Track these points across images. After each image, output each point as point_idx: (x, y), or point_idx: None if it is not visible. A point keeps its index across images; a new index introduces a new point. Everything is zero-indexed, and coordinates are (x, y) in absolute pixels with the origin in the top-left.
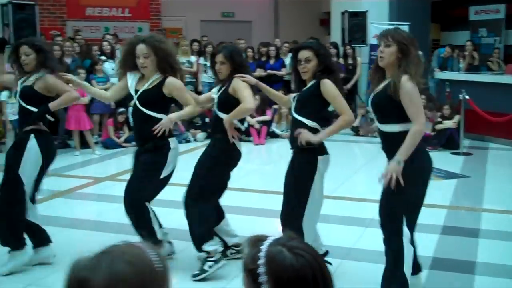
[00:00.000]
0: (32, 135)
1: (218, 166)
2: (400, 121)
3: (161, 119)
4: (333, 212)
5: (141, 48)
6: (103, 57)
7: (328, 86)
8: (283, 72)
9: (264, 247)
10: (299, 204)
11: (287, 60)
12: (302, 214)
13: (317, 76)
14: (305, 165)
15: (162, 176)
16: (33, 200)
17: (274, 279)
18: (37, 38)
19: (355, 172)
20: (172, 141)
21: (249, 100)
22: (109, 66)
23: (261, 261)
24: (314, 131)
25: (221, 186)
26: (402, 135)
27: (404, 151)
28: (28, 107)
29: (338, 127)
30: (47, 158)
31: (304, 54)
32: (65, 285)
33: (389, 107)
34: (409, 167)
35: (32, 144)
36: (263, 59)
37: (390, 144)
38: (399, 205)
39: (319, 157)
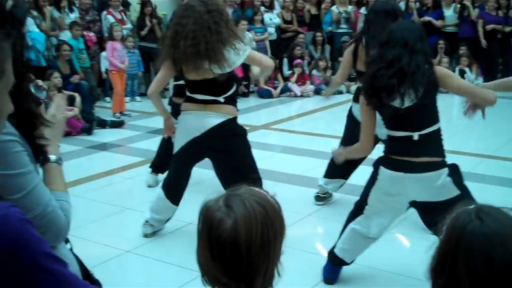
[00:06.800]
0: None
1: None
2: None
3: None
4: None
5: None
6: (264, 8)
7: None
8: (439, 23)
9: None
10: None
11: (448, 12)
12: None
13: None
14: None
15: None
16: None
17: None
18: None
19: None
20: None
21: None
22: (267, 17)
23: None
24: None
25: None
26: None
27: None
28: None
29: None
30: None
31: None
32: (200, 227)
33: None
34: None
35: None
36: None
37: None
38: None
39: None
